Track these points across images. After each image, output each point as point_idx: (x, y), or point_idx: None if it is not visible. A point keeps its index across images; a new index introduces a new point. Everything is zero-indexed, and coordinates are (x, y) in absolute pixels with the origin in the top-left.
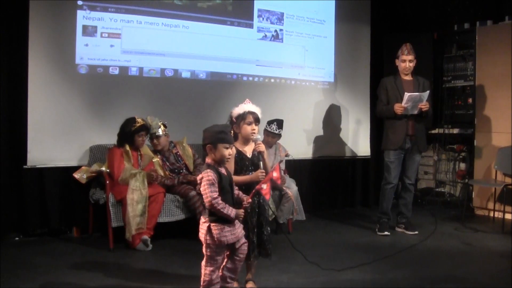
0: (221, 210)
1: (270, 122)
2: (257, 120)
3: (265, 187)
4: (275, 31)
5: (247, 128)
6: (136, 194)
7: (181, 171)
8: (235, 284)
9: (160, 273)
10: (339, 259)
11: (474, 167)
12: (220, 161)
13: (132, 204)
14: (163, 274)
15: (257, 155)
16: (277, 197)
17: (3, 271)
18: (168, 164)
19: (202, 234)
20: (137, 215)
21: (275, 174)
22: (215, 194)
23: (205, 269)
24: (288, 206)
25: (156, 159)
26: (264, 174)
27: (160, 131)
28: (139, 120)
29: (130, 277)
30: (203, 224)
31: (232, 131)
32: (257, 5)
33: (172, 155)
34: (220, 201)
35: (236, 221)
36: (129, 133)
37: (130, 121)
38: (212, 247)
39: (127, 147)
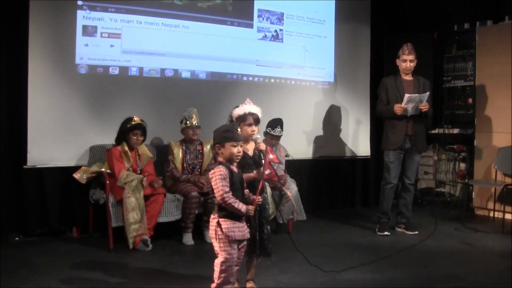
0: (232, 204)
1: (273, 126)
2: (257, 121)
3: (268, 172)
4: (275, 31)
5: (247, 130)
6: (132, 201)
7: (195, 169)
8: (236, 284)
9: (160, 273)
10: (339, 259)
11: (474, 167)
12: (229, 160)
13: (127, 211)
14: (163, 274)
15: (259, 153)
16: (277, 197)
17: (3, 271)
18: (188, 157)
19: (212, 230)
20: (133, 223)
21: (271, 156)
22: (227, 189)
23: (220, 265)
24: (288, 206)
25: (178, 150)
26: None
27: (195, 123)
28: (136, 119)
29: (130, 277)
30: (213, 220)
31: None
32: (257, 5)
33: (196, 151)
34: (232, 196)
35: (244, 223)
36: (125, 131)
37: (128, 119)
38: (225, 241)
39: (125, 147)
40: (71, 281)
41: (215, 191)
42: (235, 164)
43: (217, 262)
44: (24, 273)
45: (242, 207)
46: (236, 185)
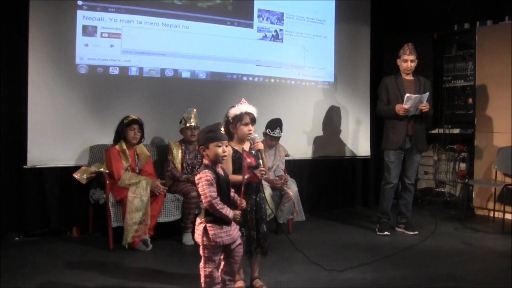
0: (220, 210)
1: (273, 127)
2: (253, 121)
3: (247, 176)
4: (275, 31)
5: (244, 129)
6: (136, 201)
7: (195, 168)
8: (240, 284)
9: (160, 273)
10: (339, 259)
11: (474, 167)
12: (215, 161)
13: (131, 211)
14: (163, 274)
15: (256, 153)
16: (277, 197)
17: (3, 271)
18: (187, 157)
19: (198, 235)
20: (135, 223)
21: (248, 160)
22: (215, 194)
23: (204, 270)
24: (288, 206)
25: (177, 149)
26: (264, 171)
27: (193, 123)
28: (132, 116)
29: (130, 277)
30: (199, 225)
31: (224, 129)
32: (257, 5)
33: (195, 150)
34: (219, 201)
35: (232, 222)
36: (122, 128)
37: (124, 117)
38: (209, 248)
39: (124, 146)
40: (71, 281)
41: (202, 196)
42: (220, 166)
43: (201, 266)
44: (24, 273)
45: (230, 213)
46: (223, 190)
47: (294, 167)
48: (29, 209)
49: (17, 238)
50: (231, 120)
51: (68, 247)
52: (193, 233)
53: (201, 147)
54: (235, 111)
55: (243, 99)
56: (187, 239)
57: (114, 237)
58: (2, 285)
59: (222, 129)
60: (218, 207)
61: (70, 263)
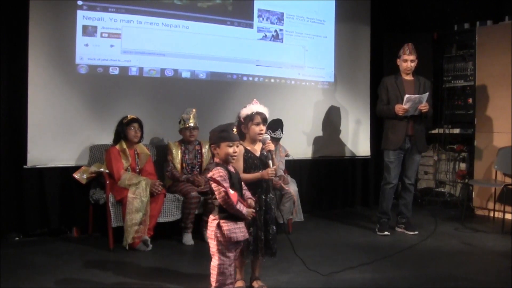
0: (234, 206)
1: (274, 128)
2: (264, 121)
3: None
4: (275, 31)
5: (255, 129)
6: (136, 202)
7: (194, 168)
8: (240, 284)
9: (160, 273)
10: (339, 259)
11: (474, 167)
12: (225, 160)
13: (131, 212)
14: (163, 274)
15: (266, 154)
16: (277, 197)
17: (3, 271)
18: (187, 157)
19: (211, 231)
20: (135, 224)
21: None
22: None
23: (218, 268)
24: (288, 205)
25: (177, 150)
26: (274, 172)
27: (192, 124)
28: (131, 115)
29: (130, 277)
30: (213, 222)
31: (236, 130)
32: (257, 5)
33: (195, 150)
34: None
35: (242, 222)
36: (122, 128)
37: (123, 118)
38: (224, 243)
39: (124, 145)
40: (71, 281)
41: (216, 193)
42: (231, 164)
43: (213, 265)
44: (24, 273)
45: (243, 209)
46: (235, 187)
47: (294, 167)
48: (29, 209)
49: (17, 238)
50: (242, 120)
51: (68, 247)
52: (193, 233)
53: (212, 145)
54: (246, 111)
55: (254, 99)
56: (187, 239)
57: (114, 237)
58: (2, 285)
59: (235, 129)
60: (231, 203)
61: (70, 263)
